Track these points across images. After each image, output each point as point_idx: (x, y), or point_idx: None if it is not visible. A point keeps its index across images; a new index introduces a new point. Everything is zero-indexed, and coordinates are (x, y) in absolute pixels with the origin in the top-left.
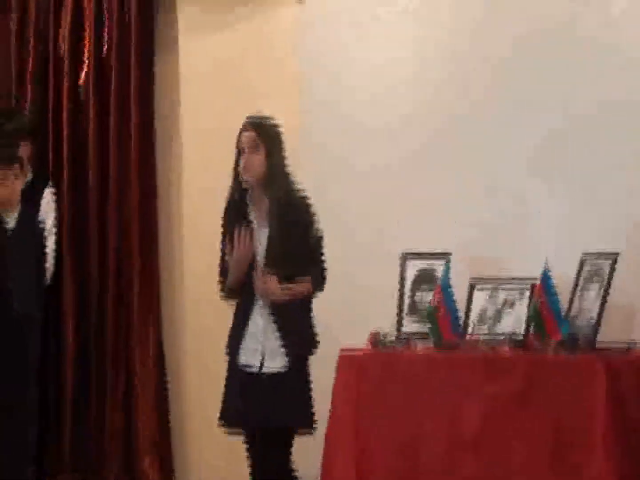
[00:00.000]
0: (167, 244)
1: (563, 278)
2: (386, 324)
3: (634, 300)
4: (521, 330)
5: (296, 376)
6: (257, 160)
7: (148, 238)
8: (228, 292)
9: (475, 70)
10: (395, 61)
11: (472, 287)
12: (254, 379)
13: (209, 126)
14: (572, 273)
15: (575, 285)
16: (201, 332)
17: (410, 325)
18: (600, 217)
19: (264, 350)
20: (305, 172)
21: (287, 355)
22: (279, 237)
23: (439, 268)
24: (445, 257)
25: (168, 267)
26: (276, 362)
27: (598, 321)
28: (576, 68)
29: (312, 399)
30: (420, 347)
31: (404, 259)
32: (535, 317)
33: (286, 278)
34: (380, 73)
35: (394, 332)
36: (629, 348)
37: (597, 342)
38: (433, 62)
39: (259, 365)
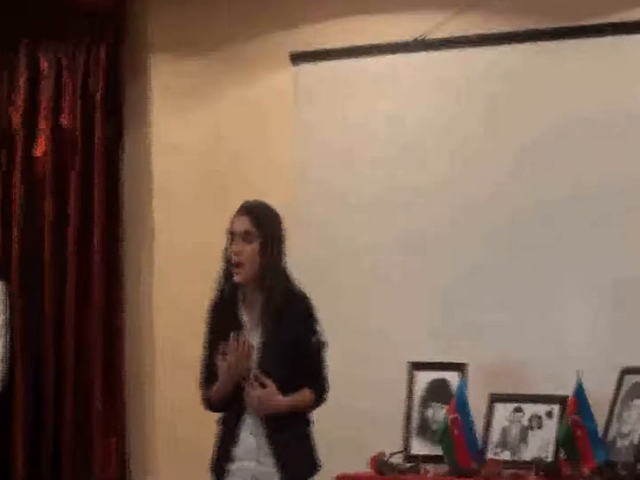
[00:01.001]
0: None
1: (599, 394)
2: (392, 447)
3: None
4: (550, 455)
5: None
6: (250, 252)
7: (113, 353)
8: (215, 405)
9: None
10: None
11: (492, 403)
12: None
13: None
14: (610, 388)
15: (614, 402)
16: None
17: (419, 446)
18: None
19: (257, 475)
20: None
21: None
22: (274, 342)
23: (453, 380)
24: (461, 368)
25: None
26: None
27: None
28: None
29: None
30: (431, 473)
31: (413, 368)
32: (567, 439)
33: (281, 391)
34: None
35: (400, 455)
36: None
37: (638, 469)
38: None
39: None
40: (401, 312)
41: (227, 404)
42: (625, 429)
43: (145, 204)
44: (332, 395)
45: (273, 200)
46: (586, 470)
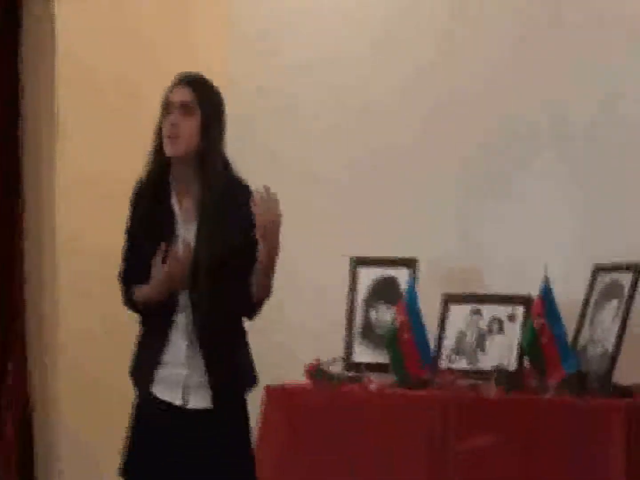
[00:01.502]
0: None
1: (568, 296)
2: (331, 354)
3: None
4: (512, 364)
5: (231, 417)
6: (190, 127)
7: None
8: (141, 307)
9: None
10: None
11: (446, 304)
12: (175, 417)
13: None
14: (581, 288)
15: (585, 303)
16: None
17: (362, 353)
18: (616, 221)
19: (188, 382)
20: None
21: (217, 391)
22: (213, 234)
23: (402, 278)
24: (411, 264)
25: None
26: (203, 398)
27: (615, 353)
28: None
29: (252, 448)
30: (375, 383)
31: (355, 265)
32: (532, 346)
33: (217, 291)
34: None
35: (340, 363)
36: None
37: (613, 382)
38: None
39: (181, 400)
40: (345, 204)
41: (158, 308)
42: (598, 334)
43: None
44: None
45: None
46: (553, 382)
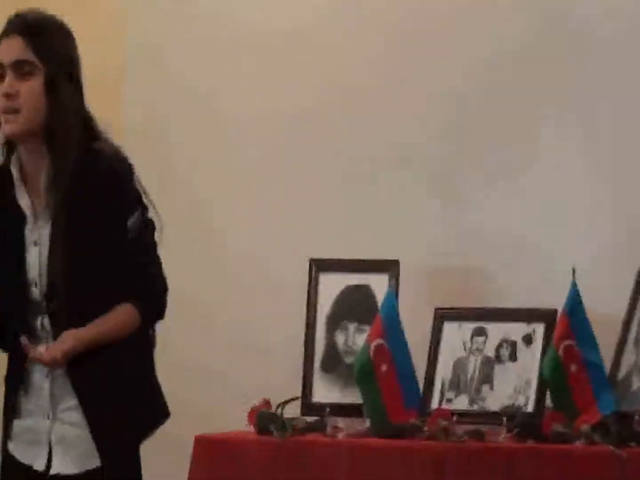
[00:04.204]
0: None
1: (605, 310)
2: (285, 391)
3: None
4: (529, 402)
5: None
6: (29, 93)
7: None
8: None
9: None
10: None
11: (439, 322)
12: None
13: None
14: (622, 301)
15: (628, 319)
16: None
17: (325, 390)
18: None
19: (53, 438)
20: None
21: (99, 447)
22: (72, 236)
23: (379, 287)
24: (390, 268)
25: None
26: (78, 459)
27: None
28: None
29: None
30: (344, 432)
31: (316, 270)
32: (556, 379)
33: (86, 307)
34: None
35: (297, 404)
36: None
37: None
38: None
39: (44, 465)
40: (308, 197)
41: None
42: None
43: None
44: (190, 310)
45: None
46: (584, 426)
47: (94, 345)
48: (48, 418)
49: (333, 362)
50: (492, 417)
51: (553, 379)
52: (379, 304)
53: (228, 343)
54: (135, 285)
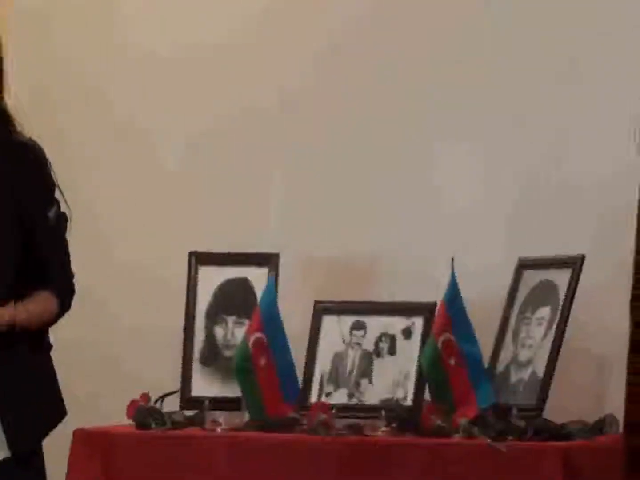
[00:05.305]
0: None
1: (483, 302)
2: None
3: (609, 341)
4: (408, 396)
5: (21, 471)
6: None
7: None
8: None
9: None
10: None
11: (318, 316)
12: None
13: None
14: (500, 292)
15: (507, 311)
16: None
17: (204, 384)
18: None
19: None
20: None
21: (8, 438)
22: None
23: (258, 280)
24: (270, 261)
25: None
26: None
27: (547, 379)
28: None
29: None
30: (223, 425)
31: (195, 262)
32: (434, 371)
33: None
34: None
35: (176, 397)
36: (600, 430)
37: (544, 419)
38: None
39: None
40: (183, 187)
41: None
42: (524, 353)
43: None
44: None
45: None
46: (463, 420)
47: (23, 324)
48: None
49: (212, 355)
50: (371, 411)
51: (431, 372)
52: (258, 297)
53: (106, 335)
54: (53, 275)
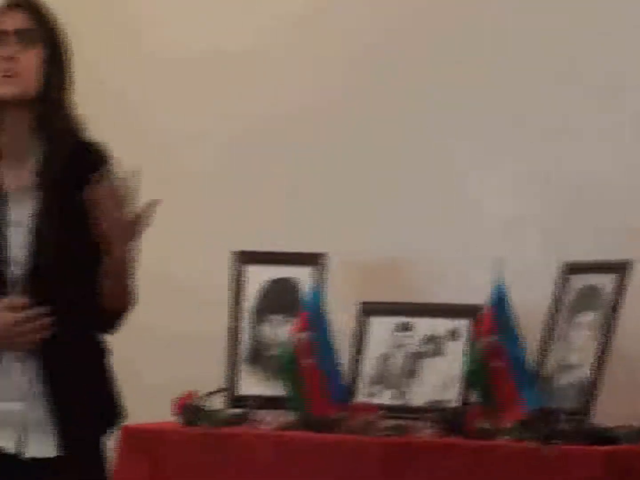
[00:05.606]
0: None
1: (529, 305)
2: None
3: None
4: (453, 398)
5: (83, 467)
6: (31, 61)
7: None
8: None
9: None
10: None
11: (364, 316)
12: (7, 470)
13: None
14: (545, 296)
15: (553, 315)
16: None
17: (250, 383)
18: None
19: (25, 422)
20: None
21: (65, 434)
22: (56, 220)
23: (304, 280)
24: (317, 261)
25: None
26: (46, 444)
27: (594, 383)
28: None
29: None
30: (268, 424)
31: (240, 261)
32: (479, 375)
33: (63, 297)
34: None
35: (222, 396)
36: None
37: (590, 423)
38: None
39: (15, 446)
40: (231, 187)
41: None
42: (571, 357)
43: None
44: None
45: None
46: (508, 423)
47: (124, 276)
48: (20, 401)
49: (258, 354)
50: (416, 412)
51: (477, 374)
52: (304, 296)
53: (154, 335)
54: None
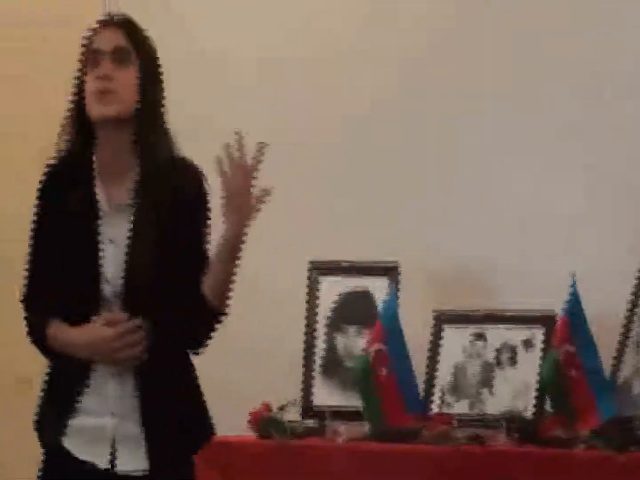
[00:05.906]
0: None
1: (604, 312)
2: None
3: None
4: (529, 407)
5: None
6: (127, 80)
7: None
8: (52, 350)
9: None
10: None
11: (439, 326)
12: None
13: None
14: (621, 303)
15: (628, 322)
16: None
17: (325, 394)
18: None
19: (117, 436)
20: None
21: (157, 449)
22: (153, 237)
23: (379, 291)
24: (391, 272)
25: None
26: (138, 458)
27: None
28: None
29: None
30: (344, 435)
31: (315, 272)
32: (555, 384)
33: (157, 310)
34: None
35: (297, 408)
36: None
37: None
38: None
39: (108, 461)
40: (308, 197)
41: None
42: None
43: None
44: None
45: None
46: (584, 431)
47: (232, 262)
48: (114, 417)
49: (333, 366)
50: (492, 422)
51: (552, 383)
52: (379, 308)
53: (227, 348)
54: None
